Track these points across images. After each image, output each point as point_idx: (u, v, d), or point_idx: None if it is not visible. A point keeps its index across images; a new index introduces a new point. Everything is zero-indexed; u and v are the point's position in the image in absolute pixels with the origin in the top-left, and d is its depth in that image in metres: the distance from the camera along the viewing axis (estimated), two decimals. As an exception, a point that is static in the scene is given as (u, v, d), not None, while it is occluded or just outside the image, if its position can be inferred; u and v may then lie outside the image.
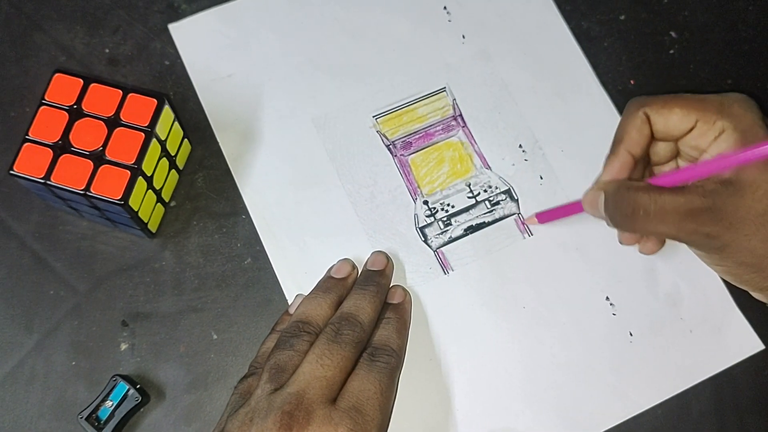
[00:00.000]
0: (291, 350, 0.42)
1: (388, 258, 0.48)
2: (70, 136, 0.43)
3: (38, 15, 0.53)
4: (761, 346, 0.48)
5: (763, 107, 0.42)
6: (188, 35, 0.53)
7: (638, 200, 0.41)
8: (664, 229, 0.42)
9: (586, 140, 0.51)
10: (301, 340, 0.42)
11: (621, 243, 0.47)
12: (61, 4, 0.53)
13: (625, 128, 0.44)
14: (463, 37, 0.53)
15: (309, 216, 0.49)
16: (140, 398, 0.44)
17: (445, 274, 0.48)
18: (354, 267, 0.47)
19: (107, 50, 0.52)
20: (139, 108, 0.43)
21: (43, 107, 0.43)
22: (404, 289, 0.47)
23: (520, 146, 0.51)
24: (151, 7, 0.53)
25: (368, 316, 0.44)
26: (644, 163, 0.46)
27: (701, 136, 0.43)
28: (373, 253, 0.48)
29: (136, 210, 0.44)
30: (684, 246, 0.49)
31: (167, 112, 0.44)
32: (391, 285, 0.48)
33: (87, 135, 0.43)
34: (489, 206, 0.50)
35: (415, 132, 0.51)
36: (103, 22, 0.53)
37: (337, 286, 0.46)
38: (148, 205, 0.46)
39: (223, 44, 0.53)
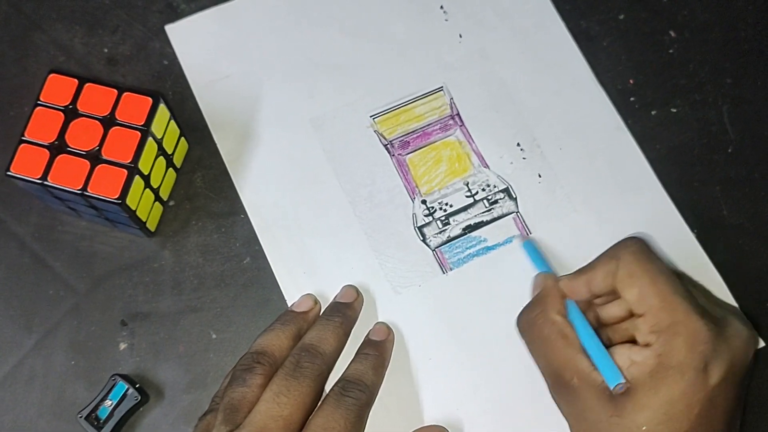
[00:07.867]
0: (244, 386, 0.40)
1: (358, 292, 0.46)
2: (66, 137, 0.43)
3: (37, 14, 0.53)
4: (761, 344, 0.48)
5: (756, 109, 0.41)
6: (185, 36, 0.53)
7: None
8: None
9: (584, 138, 0.51)
10: (254, 373, 0.40)
11: None
12: (60, 4, 0.53)
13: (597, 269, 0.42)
14: (460, 36, 0.53)
15: (307, 216, 0.49)
16: (139, 398, 0.45)
17: (444, 273, 0.48)
18: (316, 302, 0.46)
19: (106, 50, 0.52)
20: (134, 107, 0.44)
21: (38, 108, 0.44)
22: (388, 327, 0.46)
23: (518, 145, 0.51)
24: (150, 7, 0.53)
25: (331, 346, 0.42)
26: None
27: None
28: (343, 286, 0.47)
29: (133, 209, 0.44)
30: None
31: (162, 110, 0.44)
32: (376, 322, 0.46)
33: (83, 135, 0.43)
34: (487, 205, 0.50)
35: (412, 131, 0.51)
36: (102, 22, 0.53)
37: (297, 319, 0.44)
38: (146, 203, 0.46)
39: (220, 45, 0.53)
